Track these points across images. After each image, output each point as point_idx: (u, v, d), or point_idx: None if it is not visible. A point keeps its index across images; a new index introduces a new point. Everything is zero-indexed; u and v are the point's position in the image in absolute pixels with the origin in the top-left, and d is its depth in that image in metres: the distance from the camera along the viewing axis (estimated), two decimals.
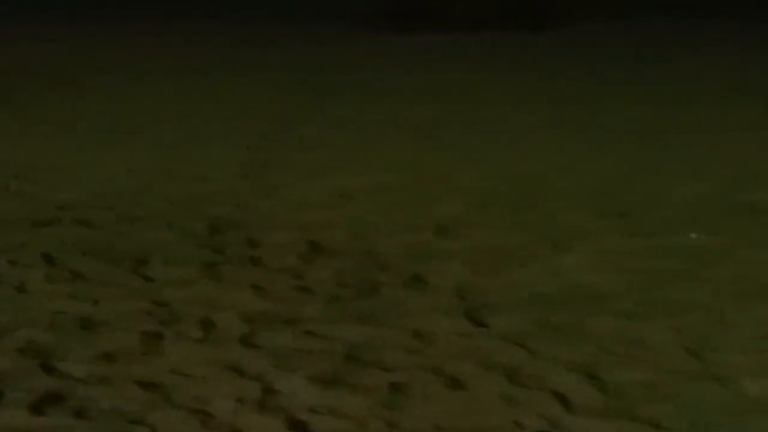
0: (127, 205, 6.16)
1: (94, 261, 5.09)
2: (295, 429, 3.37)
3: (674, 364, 3.83)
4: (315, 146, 7.94)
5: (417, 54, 13.57)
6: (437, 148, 7.90)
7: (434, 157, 7.57)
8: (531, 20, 14.79)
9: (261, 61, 12.84)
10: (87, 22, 16.59)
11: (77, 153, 7.70)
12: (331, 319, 4.34)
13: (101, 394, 3.57)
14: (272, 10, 17.49)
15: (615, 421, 3.43)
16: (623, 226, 5.74)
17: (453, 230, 5.67)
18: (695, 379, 3.72)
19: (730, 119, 8.95)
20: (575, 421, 3.43)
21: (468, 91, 10.55)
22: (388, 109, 9.51)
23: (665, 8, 16.25)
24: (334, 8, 16.90)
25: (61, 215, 5.92)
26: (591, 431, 3.39)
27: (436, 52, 13.75)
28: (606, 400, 3.57)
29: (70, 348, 3.98)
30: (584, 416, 3.47)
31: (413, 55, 13.52)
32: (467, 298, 4.59)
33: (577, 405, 3.54)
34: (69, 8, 17.46)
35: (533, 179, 6.84)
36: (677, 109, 9.49)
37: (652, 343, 4.03)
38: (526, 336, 4.12)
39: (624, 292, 4.62)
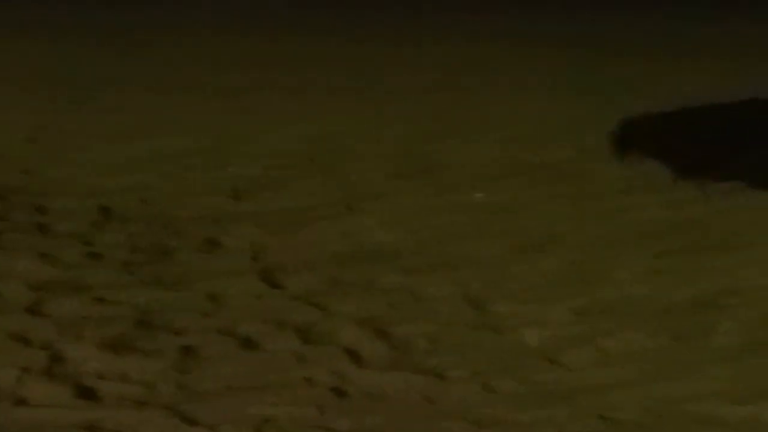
0: None
1: None
2: (83, 396, 3.32)
3: (457, 317, 4.01)
4: (113, 111, 7.72)
5: (231, 18, 13.30)
6: (242, 111, 7.83)
7: (237, 120, 7.49)
8: None
9: (56, 21, 12.30)
10: None
11: None
12: (122, 284, 4.29)
13: None
14: None
15: (401, 373, 3.55)
16: (415, 186, 5.89)
17: (249, 193, 5.68)
18: (477, 330, 3.90)
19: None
20: (364, 375, 3.54)
21: (277, 57, 10.44)
22: (196, 72, 9.31)
23: None
24: None
25: None
26: (379, 384, 3.49)
27: (250, 16, 13.52)
28: (393, 354, 3.70)
29: None
30: (373, 370, 3.58)
31: (228, 19, 13.24)
32: (261, 260, 4.63)
33: (366, 359, 3.65)
34: None
35: (332, 141, 6.90)
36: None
37: (437, 297, 4.19)
38: (318, 295, 4.20)
39: (412, 250, 4.77)
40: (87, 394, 3.33)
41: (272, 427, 3.11)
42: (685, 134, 6.27)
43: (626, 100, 7.62)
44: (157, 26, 11.94)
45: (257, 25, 12.72)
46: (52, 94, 8.22)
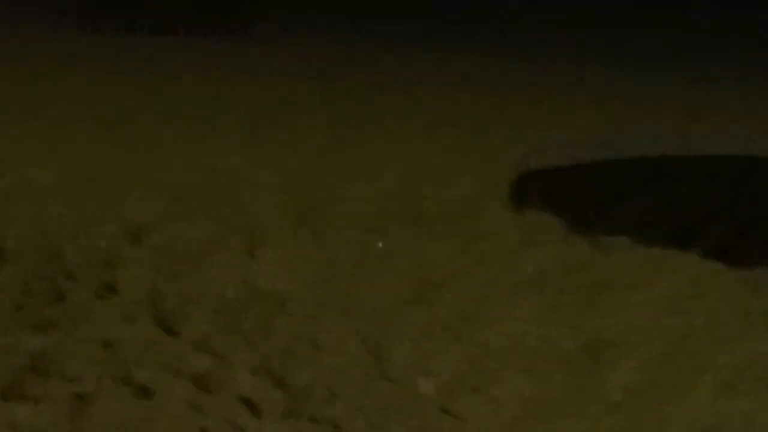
0: None
1: None
2: None
3: (355, 365, 4.05)
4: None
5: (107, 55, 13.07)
6: (127, 141, 7.70)
7: (124, 150, 7.35)
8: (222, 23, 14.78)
9: None
10: None
11: None
12: (13, 329, 4.20)
13: None
14: None
15: (298, 423, 3.58)
16: (313, 227, 5.90)
17: (143, 229, 5.58)
18: (374, 379, 3.94)
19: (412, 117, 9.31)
20: (261, 425, 3.55)
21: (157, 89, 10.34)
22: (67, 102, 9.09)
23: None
24: None
25: None
26: None
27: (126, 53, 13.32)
28: (290, 403, 3.72)
29: None
30: (269, 420, 3.60)
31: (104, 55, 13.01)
32: (157, 305, 4.59)
33: (262, 409, 3.66)
34: None
35: (228, 176, 6.82)
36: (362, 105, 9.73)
37: (335, 345, 4.22)
38: (214, 342, 4.18)
39: (310, 296, 4.79)
40: None
41: None
42: (579, 177, 6.47)
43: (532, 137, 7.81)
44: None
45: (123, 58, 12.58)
46: None
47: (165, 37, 14.32)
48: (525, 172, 6.54)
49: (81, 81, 10.48)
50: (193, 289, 4.77)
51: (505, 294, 4.89)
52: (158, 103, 9.23)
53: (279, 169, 7.07)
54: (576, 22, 16.21)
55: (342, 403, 3.72)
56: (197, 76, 11.28)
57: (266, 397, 3.74)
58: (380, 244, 5.55)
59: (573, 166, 6.92)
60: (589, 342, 4.34)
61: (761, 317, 4.67)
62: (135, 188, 6.25)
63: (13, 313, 4.37)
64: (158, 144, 7.60)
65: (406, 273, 5.11)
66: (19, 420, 3.43)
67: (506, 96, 10.39)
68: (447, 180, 6.72)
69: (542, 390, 3.90)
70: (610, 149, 7.47)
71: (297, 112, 9.42)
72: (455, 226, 5.91)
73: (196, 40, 14.22)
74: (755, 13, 16.38)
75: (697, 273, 5.21)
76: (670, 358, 4.20)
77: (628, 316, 4.63)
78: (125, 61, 12.61)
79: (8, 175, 6.36)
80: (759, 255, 5.34)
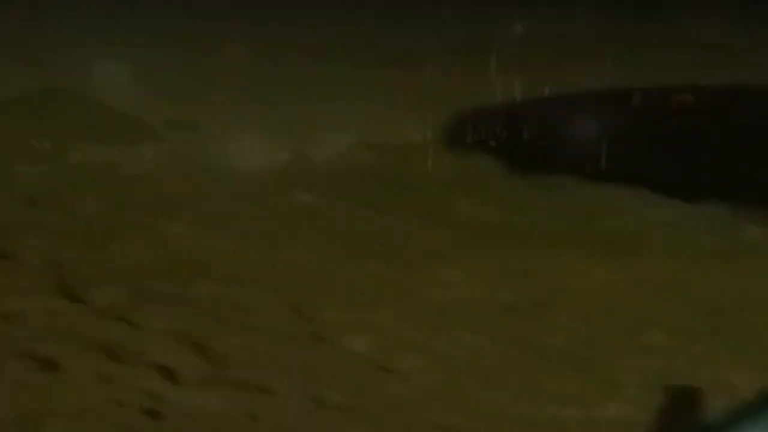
0: None
1: None
2: None
3: (280, 327, 3.73)
4: None
5: None
6: None
7: None
8: None
9: None
10: None
11: None
12: None
13: None
14: None
15: (220, 389, 3.26)
16: (230, 188, 5.53)
17: (43, 200, 5.17)
18: (299, 340, 3.63)
19: None
20: (180, 394, 3.23)
21: None
22: None
23: None
24: None
25: None
26: (197, 403, 3.19)
27: None
28: (211, 369, 3.39)
29: None
30: (189, 388, 3.27)
31: None
32: (60, 274, 4.20)
33: (181, 377, 3.33)
34: None
35: None
36: None
37: (257, 308, 3.89)
38: (125, 309, 3.82)
39: (229, 258, 4.43)
40: None
41: None
42: (514, 130, 6.13)
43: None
44: None
45: None
46: None
47: None
48: (466, 123, 6.15)
49: None
50: (98, 254, 4.39)
51: (443, 249, 4.60)
52: None
53: None
54: None
55: (268, 366, 3.40)
56: None
57: (185, 363, 3.40)
58: (304, 196, 5.21)
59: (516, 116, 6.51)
60: (534, 293, 4.08)
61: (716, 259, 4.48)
62: (30, 159, 5.81)
63: None
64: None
65: (333, 233, 4.79)
66: None
67: None
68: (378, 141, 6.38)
69: (486, 345, 3.62)
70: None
71: None
72: (389, 184, 5.57)
73: None
74: None
75: (645, 213, 4.99)
76: (617, 308, 3.98)
77: (568, 272, 4.38)
78: None
79: None
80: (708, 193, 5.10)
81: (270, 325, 3.74)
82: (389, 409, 3.13)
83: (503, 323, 3.82)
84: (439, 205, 5.16)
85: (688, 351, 3.68)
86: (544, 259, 4.46)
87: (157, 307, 3.85)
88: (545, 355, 3.61)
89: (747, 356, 3.55)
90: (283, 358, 3.48)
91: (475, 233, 4.77)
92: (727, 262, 4.52)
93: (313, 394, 3.22)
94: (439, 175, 5.63)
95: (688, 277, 4.32)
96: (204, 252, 4.48)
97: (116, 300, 3.91)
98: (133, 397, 3.17)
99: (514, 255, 4.50)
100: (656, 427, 2.74)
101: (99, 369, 3.35)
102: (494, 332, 3.72)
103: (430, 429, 3.02)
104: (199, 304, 3.91)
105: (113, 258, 4.38)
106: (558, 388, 3.32)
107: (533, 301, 4.02)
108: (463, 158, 5.76)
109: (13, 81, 6.82)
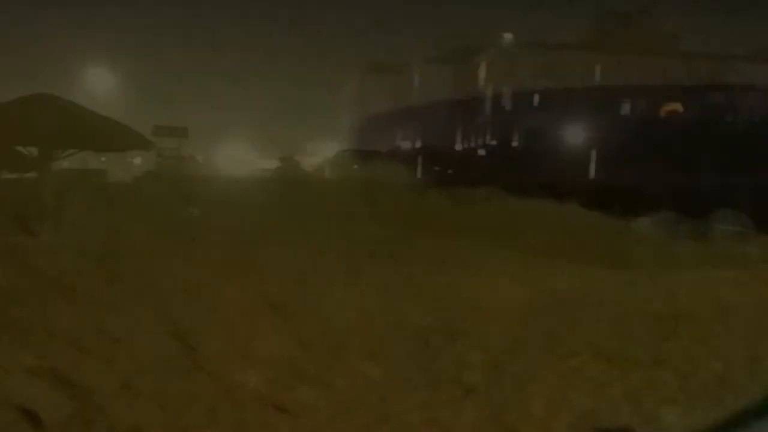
0: None
1: None
2: None
3: (155, 356, 3.30)
4: None
5: None
6: None
7: None
8: None
9: None
10: None
11: None
12: None
13: None
14: None
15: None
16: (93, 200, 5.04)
17: None
18: (180, 372, 3.22)
19: None
20: None
21: None
22: None
23: None
24: None
25: None
26: None
27: None
28: (79, 408, 2.97)
29: None
30: (53, 430, 2.85)
31: None
32: None
33: (45, 418, 2.90)
34: None
35: None
36: None
37: (129, 331, 3.42)
38: None
39: (101, 277, 3.93)
40: None
41: None
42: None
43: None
44: None
45: None
46: None
47: None
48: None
49: None
50: None
51: (342, 263, 4.22)
52: None
53: None
54: None
55: (143, 403, 2.99)
56: None
57: (49, 402, 2.97)
58: (194, 210, 4.78)
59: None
60: (440, 315, 3.73)
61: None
62: None
63: None
64: None
65: (221, 247, 4.36)
66: None
67: None
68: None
69: (388, 374, 3.28)
70: None
71: None
72: (290, 191, 5.19)
73: None
74: None
75: (571, 222, 4.74)
76: (529, 328, 3.68)
77: (479, 292, 4.06)
78: None
79: None
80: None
81: (148, 355, 3.32)
82: None
83: (408, 349, 3.47)
84: (336, 221, 4.80)
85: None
86: (453, 279, 4.14)
87: (16, 335, 3.36)
88: (457, 389, 3.30)
89: None
90: (160, 392, 3.07)
91: (380, 250, 4.41)
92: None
93: None
94: (338, 187, 5.29)
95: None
96: (69, 271, 3.92)
97: None
98: None
99: (421, 275, 4.14)
100: None
101: None
102: (397, 359, 3.38)
103: None
104: (64, 332, 3.42)
105: None
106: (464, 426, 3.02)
107: (439, 325, 3.68)
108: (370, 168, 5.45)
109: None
